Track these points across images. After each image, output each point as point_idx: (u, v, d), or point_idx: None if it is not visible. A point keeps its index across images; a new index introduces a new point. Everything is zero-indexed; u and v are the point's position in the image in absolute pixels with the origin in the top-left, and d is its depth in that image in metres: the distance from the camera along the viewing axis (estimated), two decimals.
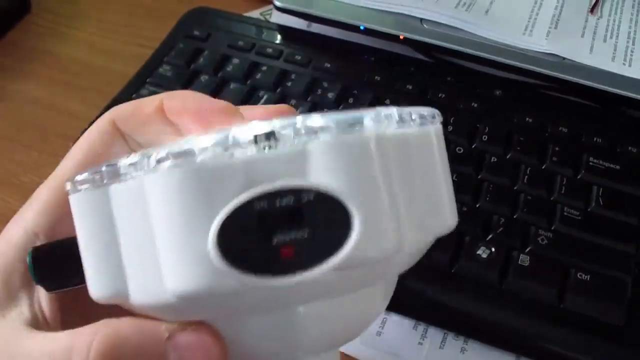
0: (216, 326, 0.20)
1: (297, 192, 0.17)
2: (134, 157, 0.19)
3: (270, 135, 0.18)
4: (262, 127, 0.18)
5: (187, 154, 0.17)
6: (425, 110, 0.21)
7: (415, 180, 0.20)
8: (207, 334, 0.20)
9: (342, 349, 0.36)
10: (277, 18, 0.55)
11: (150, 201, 0.18)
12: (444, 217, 0.22)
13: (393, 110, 0.20)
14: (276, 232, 0.17)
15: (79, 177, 0.21)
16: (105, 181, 0.20)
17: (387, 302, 0.24)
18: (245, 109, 0.25)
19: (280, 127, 0.18)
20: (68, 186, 0.21)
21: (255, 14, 0.59)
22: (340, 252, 0.17)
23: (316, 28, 0.54)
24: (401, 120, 0.20)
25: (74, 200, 0.21)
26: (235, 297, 0.18)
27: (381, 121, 0.19)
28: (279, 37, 0.54)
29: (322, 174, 0.17)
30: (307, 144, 0.18)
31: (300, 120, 0.18)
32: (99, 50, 0.57)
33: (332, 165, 0.18)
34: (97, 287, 0.21)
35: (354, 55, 0.52)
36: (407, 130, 0.20)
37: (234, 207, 0.17)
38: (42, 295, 0.23)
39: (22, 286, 0.23)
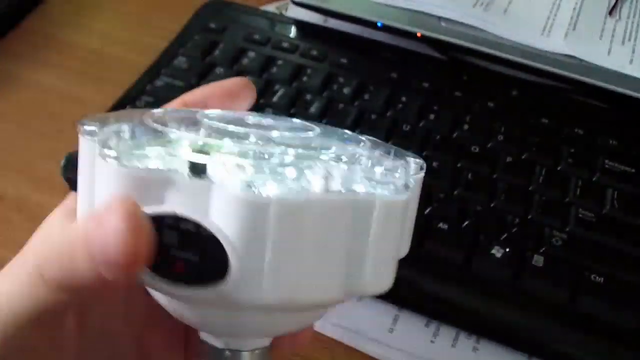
0: None
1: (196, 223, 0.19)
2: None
3: (197, 167, 0.19)
4: (199, 157, 0.20)
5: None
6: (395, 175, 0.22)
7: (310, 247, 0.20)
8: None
9: (354, 345, 0.36)
10: (294, 12, 0.55)
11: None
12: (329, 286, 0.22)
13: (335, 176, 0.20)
14: (174, 246, 0.20)
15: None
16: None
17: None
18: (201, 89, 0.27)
19: (216, 160, 0.20)
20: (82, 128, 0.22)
21: (271, 7, 0.59)
22: (215, 286, 0.20)
23: (333, 23, 0.54)
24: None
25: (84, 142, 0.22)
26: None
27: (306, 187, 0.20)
28: (295, 31, 0.53)
29: (219, 217, 0.19)
30: (217, 187, 0.19)
31: (230, 161, 0.20)
32: (115, 40, 0.57)
33: (227, 214, 0.19)
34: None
35: (371, 51, 0.52)
36: (329, 198, 0.20)
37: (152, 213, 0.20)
38: None
39: None
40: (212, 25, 0.53)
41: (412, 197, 0.23)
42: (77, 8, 0.60)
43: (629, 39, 0.51)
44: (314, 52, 0.51)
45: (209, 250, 0.19)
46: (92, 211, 0.21)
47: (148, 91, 0.47)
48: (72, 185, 0.25)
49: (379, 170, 0.22)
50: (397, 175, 0.22)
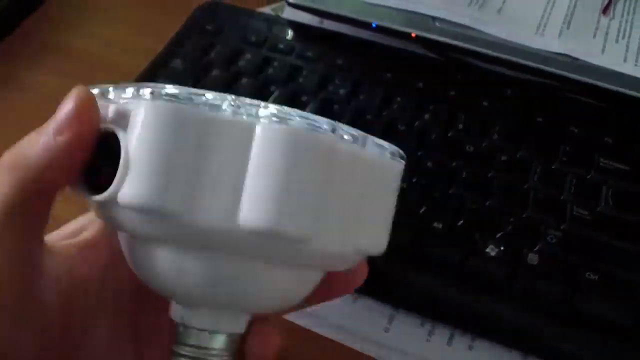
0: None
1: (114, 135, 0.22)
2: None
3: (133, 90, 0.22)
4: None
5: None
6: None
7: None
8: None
9: (350, 344, 0.37)
10: (289, 14, 0.55)
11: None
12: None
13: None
14: (103, 161, 0.22)
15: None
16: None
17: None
18: None
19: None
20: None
21: (267, 9, 0.59)
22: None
23: (328, 24, 0.54)
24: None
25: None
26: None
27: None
28: (290, 33, 0.54)
29: (133, 130, 0.21)
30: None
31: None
32: (112, 43, 0.57)
33: (135, 120, 0.21)
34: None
35: (366, 52, 0.52)
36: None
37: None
38: None
39: None
40: (209, 27, 0.53)
41: (393, 188, 0.25)
42: (75, 11, 0.60)
43: (623, 37, 0.51)
44: (310, 53, 0.51)
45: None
46: None
47: None
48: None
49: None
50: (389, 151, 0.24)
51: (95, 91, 0.24)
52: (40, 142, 0.24)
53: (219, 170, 0.20)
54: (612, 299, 0.36)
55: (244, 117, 0.21)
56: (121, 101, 0.22)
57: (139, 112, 0.21)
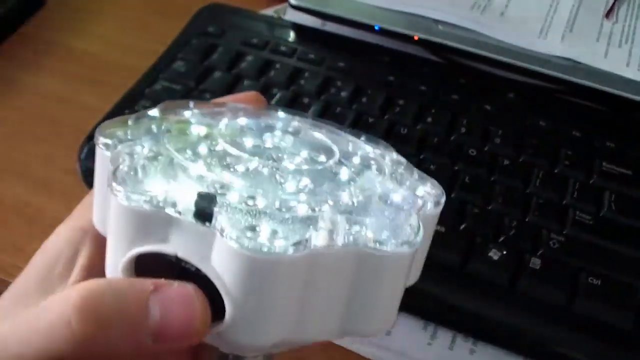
0: None
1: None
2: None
3: (202, 214, 0.20)
4: (204, 203, 0.20)
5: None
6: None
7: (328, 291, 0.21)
8: (190, 287, 0.20)
9: (351, 347, 0.37)
10: (292, 16, 0.55)
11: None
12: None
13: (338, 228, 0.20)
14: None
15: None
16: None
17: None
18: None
19: (221, 207, 0.20)
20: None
21: (269, 11, 0.59)
22: (213, 326, 0.20)
23: (330, 27, 0.54)
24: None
25: (99, 154, 0.23)
26: None
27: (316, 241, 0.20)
28: (293, 35, 0.54)
29: (218, 263, 0.20)
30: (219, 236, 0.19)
31: (235, 209, 0.20)
32: (113, 45, 0.57)
33: (226, 263, 0.20)
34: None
35: (368, 55, 0.52)
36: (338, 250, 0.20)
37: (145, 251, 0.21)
38: (77, 279, 0.24)
39: (62, 274, 0.24)
40: (210, 29, 0.53)
41: (424, 237, 0.23)
42: (76, 13, 0.61)
43: (626, 42, 0.51)
44: (312, 56, 0.51)
45: (208, 293, 0.20)
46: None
47: (147, 95, 0.48)
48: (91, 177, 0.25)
49: (390, 214, 0.22)
50: (405, 227, 0.22)
51: (106, 142, 0.23)
52: (131, 337, 0.20)
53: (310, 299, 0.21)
54: (613, 303, 0.36)
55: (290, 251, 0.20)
56: (179, 217, 0.20)
57: (229, 258, 0.19)
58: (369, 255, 0.21)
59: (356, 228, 0.21)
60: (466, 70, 0.51)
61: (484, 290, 0.37)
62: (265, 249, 0.19)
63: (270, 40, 0.52)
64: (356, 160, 0.25)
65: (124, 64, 0.54)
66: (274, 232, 0.19)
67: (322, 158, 0.24)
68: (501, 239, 0.39)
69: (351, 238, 0.20)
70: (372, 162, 0.25)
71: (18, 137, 0.49)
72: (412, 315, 0.38)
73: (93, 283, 0.20)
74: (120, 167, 0.21)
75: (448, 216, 0.39)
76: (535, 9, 0.54)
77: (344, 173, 0.23)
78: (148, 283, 0.20)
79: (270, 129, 0.26)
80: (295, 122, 0.27)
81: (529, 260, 0.37)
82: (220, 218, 0.19)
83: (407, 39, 0.51)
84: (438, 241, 0.38)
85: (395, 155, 0.26)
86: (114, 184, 0.20)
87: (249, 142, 0.24)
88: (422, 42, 0.51)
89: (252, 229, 0.19)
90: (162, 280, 0.20)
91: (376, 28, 0.51)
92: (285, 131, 0.26)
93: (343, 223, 0.21)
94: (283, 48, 0.51)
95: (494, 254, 0.38)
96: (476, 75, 0.50)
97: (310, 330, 0.21)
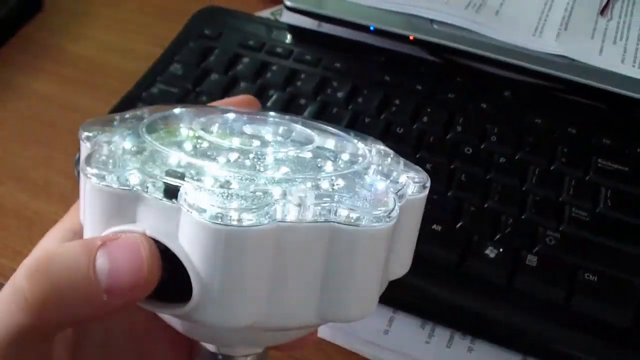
0: None
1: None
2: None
3: (169, 190, 0.20)
4: (173, 180, 0.20)
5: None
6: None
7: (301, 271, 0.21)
8: (136, 235, 0.20)
9: (350, 346, 0.37)
10: (288, 18, 0.55)
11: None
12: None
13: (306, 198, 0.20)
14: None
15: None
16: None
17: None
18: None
19: (190, 184, 0.20)
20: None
21: (265, 13, 0.59)
22: (181, 305, 0.20)
23: (326, 28, 0.54)
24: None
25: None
26: None
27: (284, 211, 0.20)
28: (289, 36, 0.54)
29: (186, 241, 0.19)
30: (185, 211, 0.19)
31: (204, 185, 0.20)
32: (111, 48, 0.57)
33: (193, 238, 0.19)
34: None
35: (364, 55, 0.52)
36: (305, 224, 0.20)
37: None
38: None
39: None
40: (207, 32, 0.53)
41: (406, 221, 0.22)
42: (74, 17, 0.61)
43: (621, 38, 0.51)
44: (308, 57, 0.51)
45: (176, 271, 0.20)
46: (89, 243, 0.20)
47: (144, 98, 0.48)
48: None
49: (366, 194, 0.21)
50: (385, 200, 0.21)
51: (87, 134, 0.23)
52: (83, 292, 0.20)
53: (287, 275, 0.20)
54: (611, 300, 0.36)
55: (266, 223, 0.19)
56: (147, 194, 0.20)
57: (196, 233, 0.19)
58: (342, 230, 0.20)
59: (327, 203, 0.20)
60: (462, 69, 0.51)
61: (481, 289, 0.37)
62: (230, 221, 0.19)
63: (266, 42, 0.52)
64: (344, 156, 0.24)
65: (121, 67, 0.55)
66: (241, 206, 0.19)
67: (307, 152, 0.24)
68: (498, 236, 0.39)
69: (321, 212, 0.20)
70: (360, 157, 0.24)
71: (16, 140, 0.49)
72: (409, 314, 0.38)
73: (45, 249, 0.20)
74: (95, 152, 0.21)
75: (445, 215, 0.40)
76: (530, 7, 0.54)
77: (329, 166, 0.23)
78: (96, 240, 0.20)
79: (256, 125, 0.26)
80: (283, 120, 0.27)
81: (526, 258, 0.38)
82: (189, 194, 0.19)
83: (403, 38, 0.51)
84: (435, 240, 0.38)
85: (382, 147, 0.26)
86: (86, 167, 0.20)
87: (233, 137, 0.24)
88: (417, 42, 0.51)
89: (220, 204, 0.19)
90: (110, 235, 0.20)
91: (371, 28, 0.52)
92: (271, 126, 0.26)
93: (312, 197, 0.20)
94: (279, 50, 0.52)
95: (491, 252, 0.38)
96: (472, 74, 0.51)
97: (286, 313, 0.21)
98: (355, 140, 0.26)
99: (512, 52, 0.49)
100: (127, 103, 0.47)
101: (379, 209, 0.21)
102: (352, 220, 0.20)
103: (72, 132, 0.49)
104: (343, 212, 0.20)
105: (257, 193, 0.20)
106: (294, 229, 0.20)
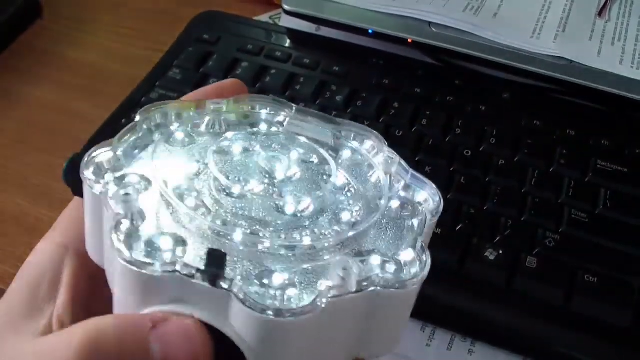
0: None
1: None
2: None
3: (213, 277, 0.19)
4: (212, 264, 0.20)
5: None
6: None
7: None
8: (190, 321, 0.20)
9: None
10: (286, 22, 0.55)
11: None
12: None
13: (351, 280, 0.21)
14: None
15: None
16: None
17: None
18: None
19: (230, 266, 0.20)
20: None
21: (264, 17, 0.59)
22: None
23: (325, 32, 0.54)
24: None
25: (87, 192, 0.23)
26: None
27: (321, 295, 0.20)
28: (288, 40, 0.54)
29: (237, 324, 0.20)
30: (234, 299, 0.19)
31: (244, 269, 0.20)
32: (110, 54, 0.57)
33: (245, 324, 0.20)
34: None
35: (363, 58, 0.52)
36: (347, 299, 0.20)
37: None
38: (65, 300, 0.24)
39: (48, 295, 0.24)
40: (206, 37, 0.53)
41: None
42: (73, 23, 0.61)
43: (619, 40, 0.51)
44: (307, 61, 0.51)
45: (229, 351, 0.20)
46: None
47: (143, 104, 0.48)
48: (75, 189, 0.24)
49: (390, 266, 0.22)
50: (415, 260, 0.22)
51: (90, 177, 0.23)
52: None
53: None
54: (610, 301, 0.36)
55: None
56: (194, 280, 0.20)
57: (252, 323, 0.19)
58: (381, 293, 0.21)
59: (366, 269, 0.21)
60: (460, 72, 0.51)
61: (481, 291, 0.37)
62: (283, 313, 0.19)
63: (265, 46, 0.52)
64: (346, 157, 0.25)
65: (120, 73, 0.55)
66: (287, 287, 0.20)
67: (314, 160, 0.25)
68: (497, 238, 0.39)
69: (364, 283, 0.20)
70: (365, 162, 0.25)
71: (16, 147, 0.49)
72: (410, 316, 0.38)
73: (93, 325, 0.20)
74: (120, 224, 0.20)
75: (444, 217, 0.39)
76: (528, 9, 0.54)
77: (340, 178, 0.24)
78: (147, 320, 0.20)
79: (257, 134, 0.26)
80: (281, 120, 0.27)
81: (526, 260, 0.38)
82: (239, 283, 0.19)
83: (401, 41, 0.51)
84: (435, 243, 0.38)
85: (387, 150, 0.26)
86: (117, 246, 0.20)
87: (238, 153, 0.24)
88: (416, 45, 0.51)
89: (264, 285, 0.19)
90: (160, 314, 0.20)
91: (370, 32, 0.52)
92: (272, 136, 0.26)
93: (355, 267, 0.21)
94: (278, 54, 0.52)
95: (491, 254, 0.38)
96: (471, 77, 0.51)
97: None
98: (356, 143, 0.26)
99: (510, 54, 0.50)
100: (127, 108, 0.48)
101: (414, 266, 0.22)
102: (390, 284, 0.21)
103: (72, 138, 0.50)
104: (381, 276, 0.21)
105: (308, 275, 0.20)
106: (341, 301, 0.20)
